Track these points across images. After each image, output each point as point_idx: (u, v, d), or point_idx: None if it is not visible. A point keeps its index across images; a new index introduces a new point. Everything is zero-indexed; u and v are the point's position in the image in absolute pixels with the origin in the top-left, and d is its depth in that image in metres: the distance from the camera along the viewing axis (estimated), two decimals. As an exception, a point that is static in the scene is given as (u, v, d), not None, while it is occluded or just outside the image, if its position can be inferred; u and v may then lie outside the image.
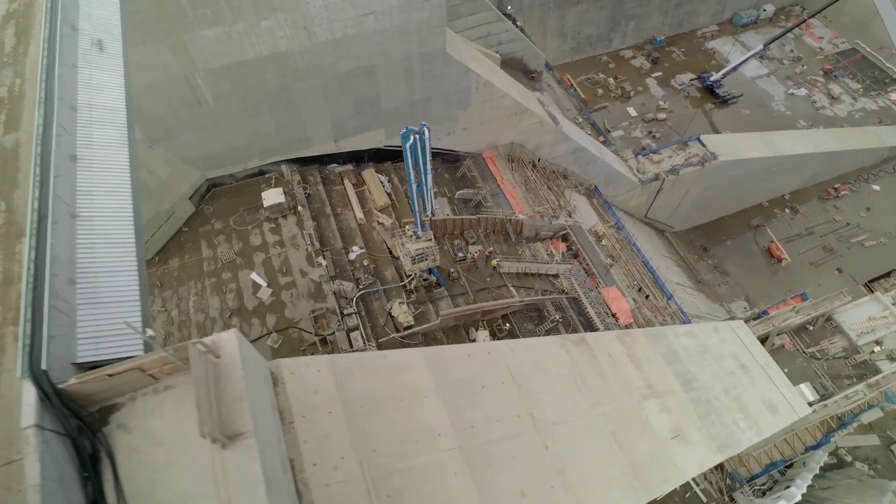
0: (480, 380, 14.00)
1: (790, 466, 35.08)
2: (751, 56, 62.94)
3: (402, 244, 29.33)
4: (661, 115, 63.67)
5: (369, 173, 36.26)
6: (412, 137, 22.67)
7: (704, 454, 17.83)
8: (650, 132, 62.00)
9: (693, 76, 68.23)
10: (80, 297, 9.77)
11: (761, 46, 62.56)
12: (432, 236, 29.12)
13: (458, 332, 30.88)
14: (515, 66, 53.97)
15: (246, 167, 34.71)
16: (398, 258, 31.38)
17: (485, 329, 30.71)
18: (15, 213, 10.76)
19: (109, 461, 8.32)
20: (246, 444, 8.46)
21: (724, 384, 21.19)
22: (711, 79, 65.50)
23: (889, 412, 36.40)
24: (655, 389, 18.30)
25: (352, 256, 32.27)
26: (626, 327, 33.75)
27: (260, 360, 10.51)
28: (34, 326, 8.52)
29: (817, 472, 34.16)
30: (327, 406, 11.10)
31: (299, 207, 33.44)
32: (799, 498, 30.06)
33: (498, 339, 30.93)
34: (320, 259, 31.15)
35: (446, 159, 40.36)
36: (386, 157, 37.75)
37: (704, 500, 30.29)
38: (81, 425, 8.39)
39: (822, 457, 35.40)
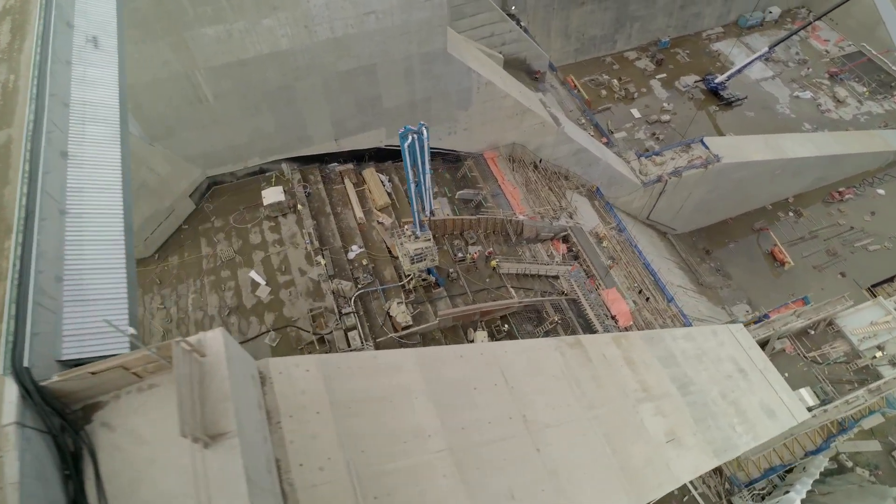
0: (473, 381, 13.91)
1: (790, 471, 34.87)
2: (755, 58, 62.64)
3: (401, 244, 29.29)
4: (665, 117, 63.43)
5: (370, 172, 36.23)
6: (410, 137, 22.61)
7: (700, 459, 17.69)
8: (654, 134, 61.78)
9: (697, 78, 67.92)
10: (67, 295, 9.74)
11: (766, 49, 62.28)
12: (431, 236, 29.06)
13: (456, 332, 30.79)
14: (519, 67, 53.86)
15: (246, 165, 34.73)
16: (397, 258, 31.32)
17: (483, 330, 30.61)
18: (4, 209, 10.73)
19: (91, 459, 8.28)
20: (229, 443, 8.40)
21: (722, 388, 21.01)
22: (716, 81, 65.19)
23: (890, 418, 36.09)
24: (651, 393, 18.17)
25: (351, 256, 32.23)
26: (626, 329, 33.59)
27: (247, 359, 10.46)
28: (17, 323, 8.49)
29: (817, 477, 33.90)
30: (316, 406, 11.04)
31: (299, 206, 33.43)
32: (798, 503, 29.87)
33: (496, 339, 30.84)
34: (319, 258, 31.11)
35: (447, 159, 40.28)
36: (387, 157, 37.70)
37: (702, 504, 30.15)
38: (64, 423, 8.35)
39: (822, 462, 35.16)
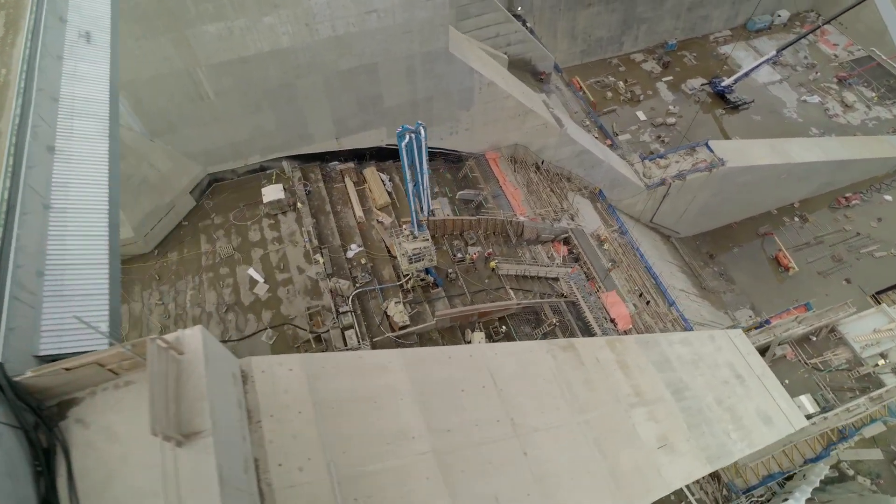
0: (460, 383, 13.81)
1: (790, 479, 34.51)
2: (763, 62, 62.19)
3: (399, 244, 29.22)
4: (671, 120, 63.07)
5: (370, 171, 36.18)
6: (408, 137, 22.50)
7: (692, 465, 17.50)
8: (659, 136, 61.45)
9: (704, 81, 67.47)
10: (48, 290, 9.71)
11: (774, 52, 61.83)
12: (429, 236, 28.96)
13: (453, 333, 30.69)
14: (524, 68, 53.77)
15: (247, 163, 34.76)
16: (396, 257, 31.24)
17: (481, 331, 30.48)
18: (-9, 203, 10.72)
19: (64, 456, 8.23)
20: (202, 443, 8.33)
21: (718, 394, 20.81)
22: (723, 84, 64.76)
23: (892, 427, 35.65)
24: (644, 398, 17.99)
25: (350, 254, 32.19)
26: (625, 333, 33.39)
27: (228, 357, 10.39)
28: (-7, 317, 8.47)
29: (817, 485, 33.55)
30: (298, 406, 10.96)
31: (299, 204, 33.43)
32: (796, 511, 29.60)
33: (494, 341, 30.71)
34: (318, 256, 31.09)
35: (448, 159, 40.19)
36: (388, 156, 37.64)
37: (699, 510, 29.89)
38: (38, 419, 8.30)
39: (822, 470, 34.78)
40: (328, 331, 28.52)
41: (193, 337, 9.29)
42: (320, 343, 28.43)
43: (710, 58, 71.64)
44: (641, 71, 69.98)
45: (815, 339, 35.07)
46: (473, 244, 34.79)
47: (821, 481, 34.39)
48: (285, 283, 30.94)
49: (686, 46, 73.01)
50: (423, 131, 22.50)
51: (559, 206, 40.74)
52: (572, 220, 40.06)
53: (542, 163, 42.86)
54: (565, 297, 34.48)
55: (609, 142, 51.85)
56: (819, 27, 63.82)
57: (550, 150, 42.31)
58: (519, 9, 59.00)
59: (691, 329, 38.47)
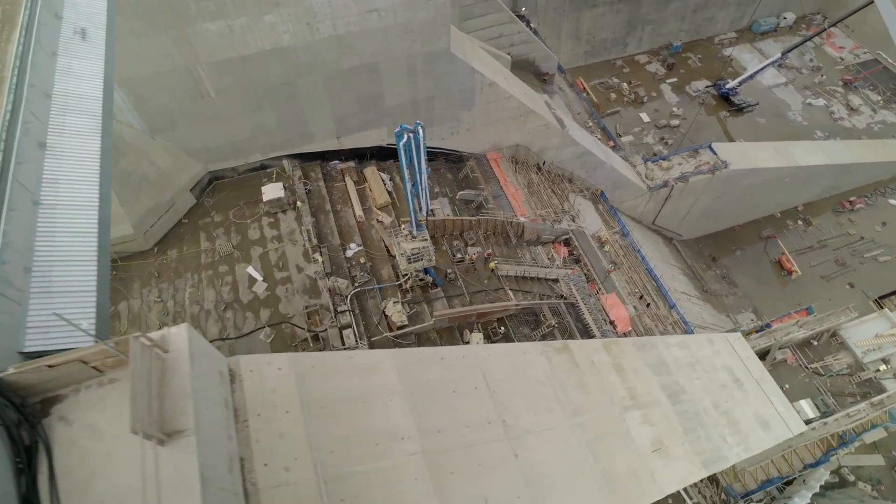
0: (452, 384, 13.73)
1: (789, 483, 34.32)
2: (768, 64, 61.91)
3: (398, 243, 29.18)
4: (675, 122, 62.87)
5: (371, 171, 36.14)
6: (406, 136, 22.46)
7: (687, 469, 17.37)
8: (662, 138, 61.27)
9: (708, 83, 67.21)
10: (35, 286, 9.68)
11: (779, 55, 61.50)
12: (428, 236, 28.91)
13: (452, 333, 30.61)
14: (527, 69, 53.62)
15: (247, 161, 34.76)
16: (395, 257, 31.20)
17: (479, 332, 30.40)
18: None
19: (46, 454, 8.20)
20: (185, 441, 8.29)
21: (715, 398, 20.66)
22: (727, 86, 64.49)
23: (893, 432, 35.38)
24: (639, 401, 17.88)
25: (349, 254, 32.17)
26: (625, 335, 33.25)
27: (216, 356, 10.35)
28: (-24, 313, 8.44)
29: (817, 490, 33.35)
30: (285, 405, 10.91)
31: (298, 203, 33.41)
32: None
33: (492, 342, 30.63)
34: (317, 255, 31.08)
35: (449, 159, 40.12)
36: (389, 156, 37.59)
37: (697, 514, 29.74)
38: (21, 416, 8.28)
39: (823, 475, 34.55)
40: (326, 330, 28.49)
41: (179, 335, 9.25)
42: (318, 342, 28.41)
43: (714, 60, 71.40)
44: (645, 72, 69.79)
45: (816, 343, 34.90)
46: (473, 244, 34.70)
47: (821, 486, 34.16)
48: (284, 281, 30.93)
49: (691, 48, 72.78)
50: (421, 131, 22.44)
51: (560, 207, 40.62)
52: (573, 221, 39.94)
53: (544, 164, 42.75)
54: (565, 298, 34.36)
55: (612, 143, 51.66)
56: (825, 30, 63.49)
57: (552, 151, 42.19)
58: (523, 9, 58.85)
59: (692, 332, 38.27)
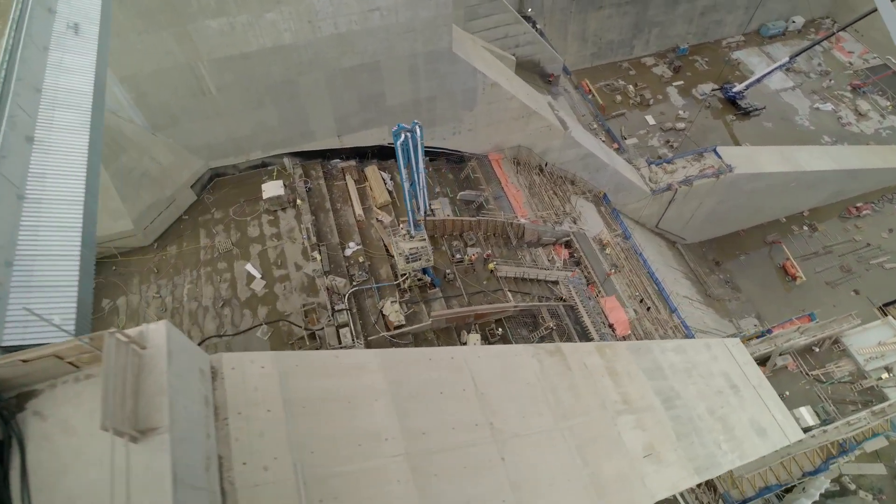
0: (439, 385, 13.63)
1: (789, 491, 33.98)
2: (775, 68, 61.36)
3: (396, 243, 29.11)
4: (680, 125, 62.49)
5: (371, 170, 36.09)
6: (403, 135, 22.41)
7: (679, 475, 17.18)
8: (667, 141, 60.91)
9: (715, 86, 66.79)
10: (15, 280, 9.66)
11: (786, 58, 60.95)
12: (426, 236, 28.82)
13: (449, 334, 30.50)
14: (532, 70, 53.47)
15: (248, 158, 34.79)
16: (394, 256, 31.14)
17: (477, 333, 30.27)
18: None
19: (19, 448, 8.16)
20: (158, 439, 8.22)
21: (710, 404, 20.46)
22: (734, 90, 64.05)
23: (895, 441, 34.99)
24: (632, 405, 17.71)
25: (348, 252, 32.13)
26: (623, 338, 33.05)
27: (197, 353, 10.29)
28: (-47, 307, 8.43)
29: (817, 498, 33.02)
30: (267, 404, 10.84)
31: (298, 201, 33.39)
32: (793, 524, 29.12)
33: (490, 343, 30.47)
34: (315, 254, 31.04)
35: (451, 159, 40.02)
36: (390, 155, 37.34)
37: (693, 520, 29.49)
38: (-6, 410, 8.25)
39: (822, 483, 34.19)
40: (323, 328, 28.44)
41: (157, 332, 9.20)
42: (314, 340, 28.35)
43: (721, 63, 70.90)
44: (652, 75, 69.46)
45: (818, 350, 34.52)
46: (473, 245, 34.58)
47: (821, 495, 33.84)
48: (282, 279, 30.91)
49: (698, 51, 72.36)
50: (418, 130, 22.38)
51: (561, 208, 40.44)
52: (574, 223, 39.75)
53: (546, 165, 42.59)
54: (564, 300, 34.18)
55: (616, 145, 51.41)
56: (834, 34, 62.98)
57: (554, 153, 42.02)
58: (529, 10, 58.70)
59: (692, 336, 38.01)
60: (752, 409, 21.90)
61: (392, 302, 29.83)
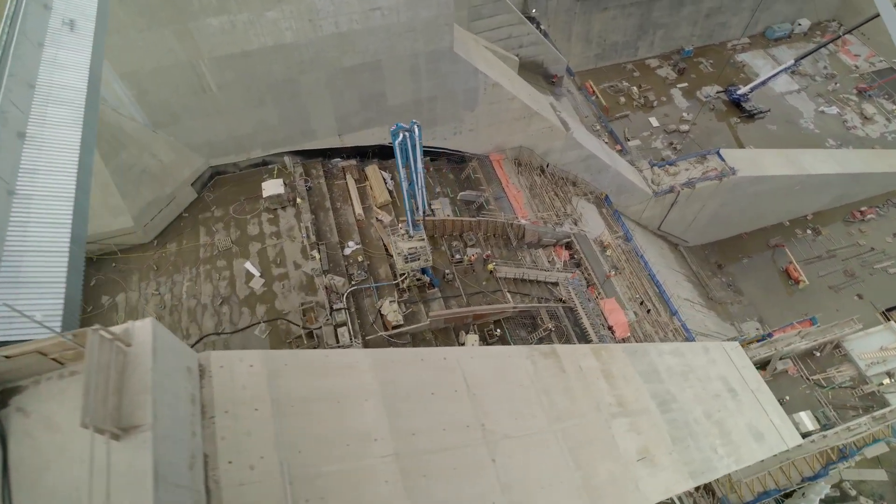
0: (430, 386, 13.56)
1: (788, 496, 33.77)
2: (780, 71, 61.10)
3: (395, 242, 29.06)
4: (684, 127, 62.26)
5: (372, 169, 36.06)
6: (402, 135, 22.35)
7: (673, 479, 17.07)
8: (671, 143, 60.67)
9: (720, 89, 66.53)
10: (3, 276, 9.65)
11: (791, 61, 60.68)
12: (425, 236, 28.76)
13: (447, 334, 30.44)
14: (536, 70, 53.35)
15: (249, 157, 34.80)
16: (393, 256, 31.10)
17: (475, 333, 30.22)
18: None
19: (1, 444, 8.14)
20: (140, 437, 8.18)
21: (707, 407, 20.34)
22: (738, 92, 63.79)
23: (896, 448, 34.79)
24: (627, 408, 17.61)
25: (347, 252, 32.09)
26: (623, 341, 32.89)
27: (184, 351, 10.25)
28: (-63, 302, 8.42)
29: (816, 503, 32.82)
30: (255, 402, 10.79)
31: (298, 200, 33.39)
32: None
33: (488, 343, 30.40)
34: (314, 252, 31.02)
35: (452, 160, 39.95)
36: (390, 154, 36.79)
37: (690, 524, 29.33)
38: (-23, 406, 8.24)
39: (823, 488, 33.96)
40: (321, 327, 28.42)
41: (143, 329, 9.16)
42: (312, 339, 28.33)
43: (726, 65, 70.55)
44: (656, 77, 69.22)
45: (819, 354, 34.29)
46: (473, 245, 34.50)
47: (822, 500, 33.60)
48: (281, 277, 30.90)
49: (702, 53, 72.08)
50: (417, 130, 22.32)
51: (562, 210, 40.32)
52: (575, 224, 39.62)
53: (548, 166, 42.47)
54: (563, 302, 34.06)
55: (619, 147, 51.22)
56: (840, 37, 62.67)
57: (556, 154, 41.90)
58: (534, 11, 58.58)
59: (693, 339, 37.83)
60: (749, 413, 21.77)
61: (390, 302, 29.79)
